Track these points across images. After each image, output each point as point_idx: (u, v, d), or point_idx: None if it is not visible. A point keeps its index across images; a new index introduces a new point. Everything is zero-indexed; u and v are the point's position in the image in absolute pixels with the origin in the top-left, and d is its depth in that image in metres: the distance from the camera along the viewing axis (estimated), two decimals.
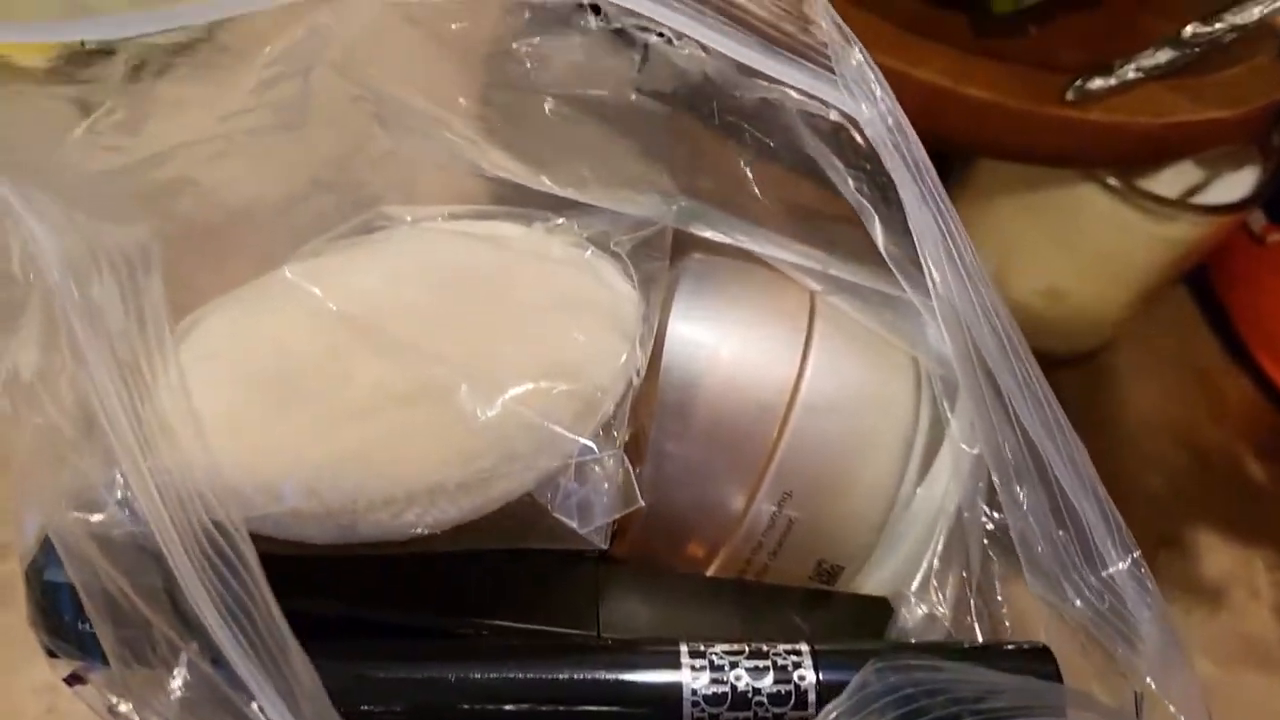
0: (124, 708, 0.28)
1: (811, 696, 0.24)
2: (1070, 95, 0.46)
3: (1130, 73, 0.45)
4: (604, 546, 0.25)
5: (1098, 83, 0.45)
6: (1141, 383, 0.71)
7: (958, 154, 0.53)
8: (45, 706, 0.47)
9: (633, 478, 0.26)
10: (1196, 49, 0.44)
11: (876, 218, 0.26)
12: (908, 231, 0.25)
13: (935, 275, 0.24)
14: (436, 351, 0.26)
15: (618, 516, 0.25)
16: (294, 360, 0.26)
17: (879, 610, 0.29)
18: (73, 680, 0.27)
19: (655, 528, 0.29)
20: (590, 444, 0.25)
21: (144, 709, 0.26)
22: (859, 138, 0.27)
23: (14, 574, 0.50)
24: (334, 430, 0.25)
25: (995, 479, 0.24)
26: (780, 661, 0.24)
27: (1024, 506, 0.24)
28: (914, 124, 0.47)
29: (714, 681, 0.24)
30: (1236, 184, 0.58)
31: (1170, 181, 0.58)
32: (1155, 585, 0.24)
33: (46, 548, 0.25)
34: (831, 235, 0.30)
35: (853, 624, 0.29)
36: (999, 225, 0.61)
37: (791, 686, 0.24)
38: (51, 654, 0.26)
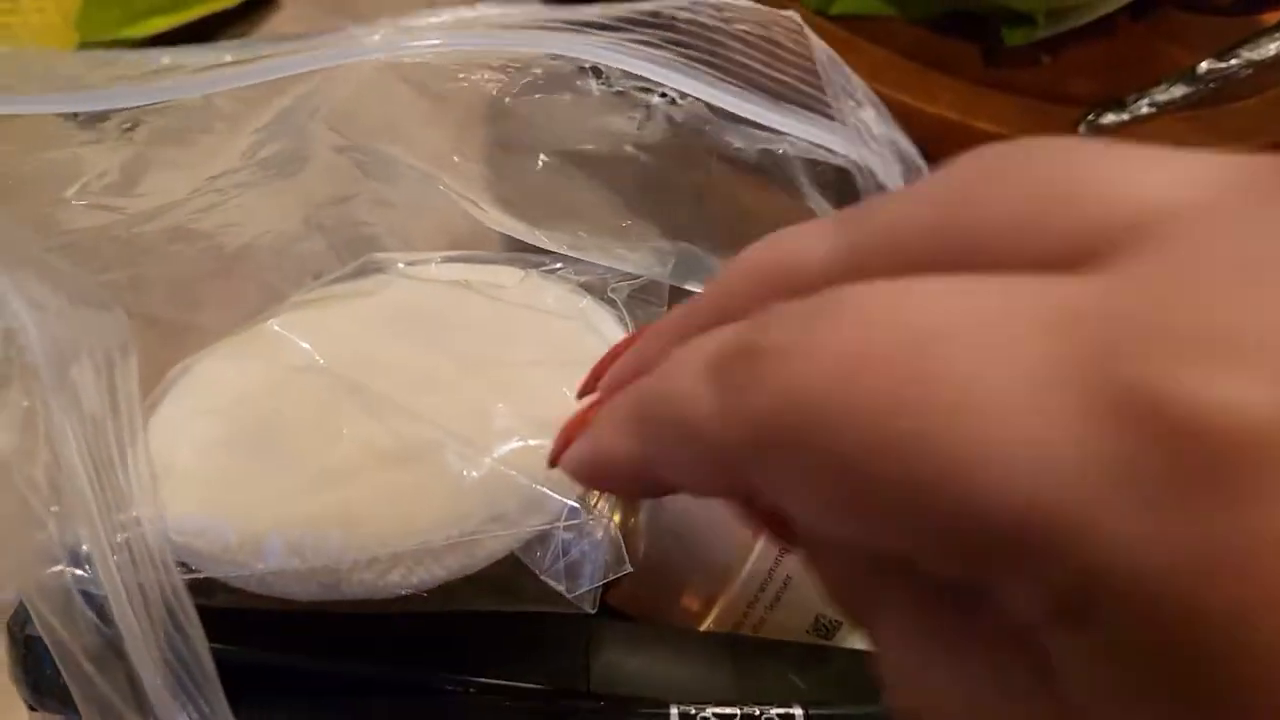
0: None
1: None
2: (1082, 129, 0.45)
3: (1144, 107, 0.44)
4: (591, 611, 0.25)
5: (1110, 118, 0.44)
6: None
7: None
8: None
9: (622, 542, 0.25)
10: (1211, 84, 0.44)
11: None
12: None
13: None
14: (425, 410, 0.26)
15: (607, 581, 0.25)
16: (281, 417, 0.25)
17: None
18: None
19: (649, 580, 0.29)
20: (578, 505, 0.25)
21: None
22: (861, 182, 0.26)
23: None
24: (319, 489, 0.24)
25: None
26: None
27: None
28: (929, 159, 0.46)
29: None
30: None
31: None
32: None
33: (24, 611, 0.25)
34: None
35: (852, 682, 0.29)
36: None
37: None
38: (32, 708, 0.26)
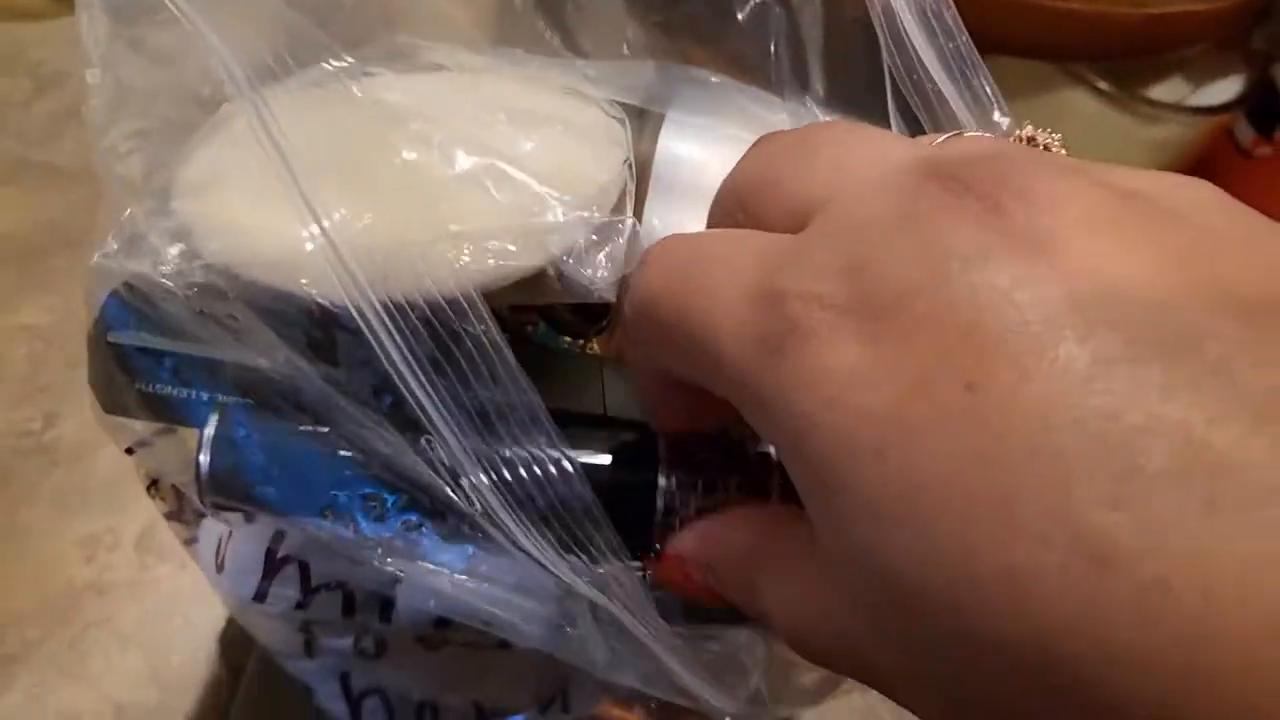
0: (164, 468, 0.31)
1: None
2: None
3: None
4: (613, 298, 0.28)
5: None
6: None
7: None
8: (85, 556, 0.50)
9: (640, 236, 0.28)
10: None
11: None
12: None
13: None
14: (468, 141, 0.29)
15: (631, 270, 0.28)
16: (338, 144, 0.28)
17: None
18: (129, 450, 0.30)
19: None
20: (602, 214, 0.28)
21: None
22: None
23: (57, 440, 0.53)
24: (366, 205, 0.27)
25: None
26: None
27: None
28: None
29: None
30: (1222, 89, 0.60)
31: (1159, 88, 0.60)
32: None
33: (108, 311, 0.28)
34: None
35: None
36: None
37: None
38: (109, 411, 0.29)
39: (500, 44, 0.35)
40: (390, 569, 0.27)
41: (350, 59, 0.31)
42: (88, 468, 0.52)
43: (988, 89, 0.26)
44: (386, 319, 0.21)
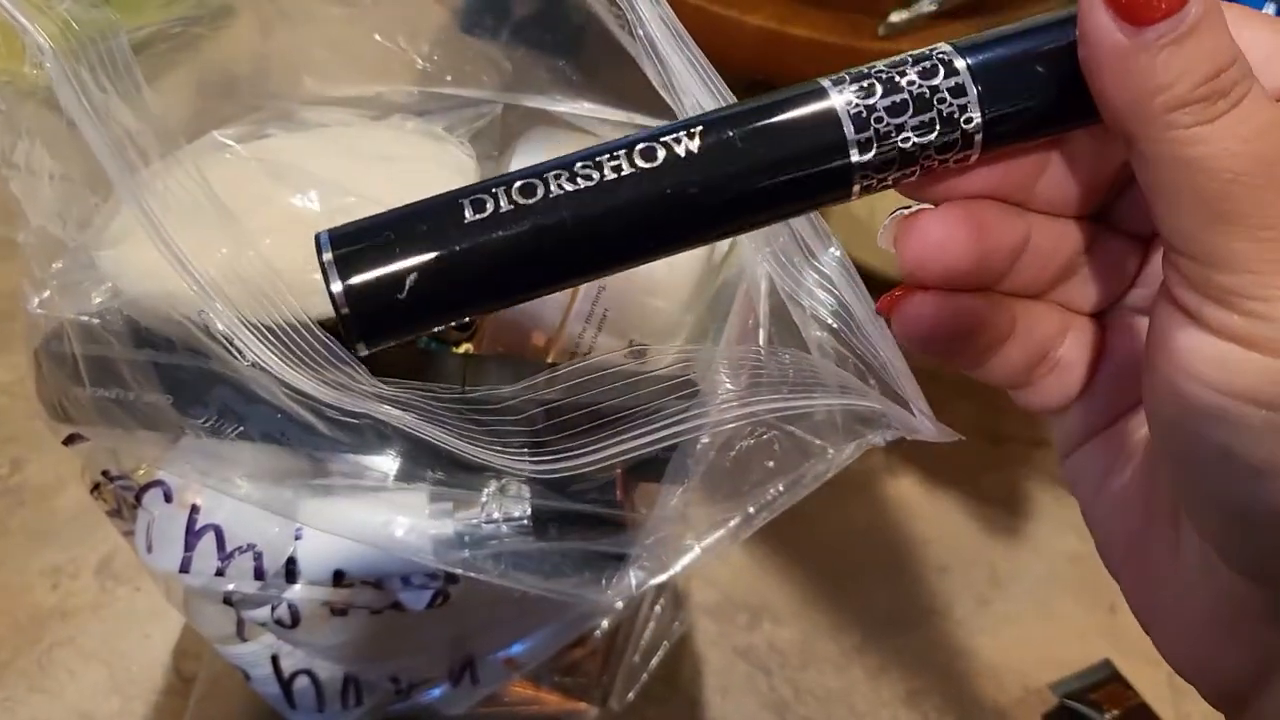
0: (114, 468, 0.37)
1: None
2: (881, 30, 0.55)
3: (926, 5, 0.54)
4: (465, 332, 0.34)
5: (897, 16, 0.54)
6: None
7: None
8: (50, 584, 0.55)
9: None
10: None
11: (643, 53, 0.34)
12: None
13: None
14: (337, 185, 0.35)
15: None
16: (229, 193, 0.35)
17: None
18: (71, 440, 0.36)
19: (505, 326, 0.39)
20: None
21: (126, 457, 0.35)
22: None
23: (24, 483, 0.59)
24: (259, 238, 0.33)
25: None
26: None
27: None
28: (752, 64, 0.56)
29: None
30: None
31: None
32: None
33: (54, 333, 0.34)
34: (632, 93, 0.38)
35: None
36: None
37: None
38: (55, 418, 0.35)
39: (389, 80, 0.41)
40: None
41: (242, 126, 0.38)
42: (52, 506, 0.58)
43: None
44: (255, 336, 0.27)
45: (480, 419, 0.27)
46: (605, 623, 0.47)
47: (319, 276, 0.33)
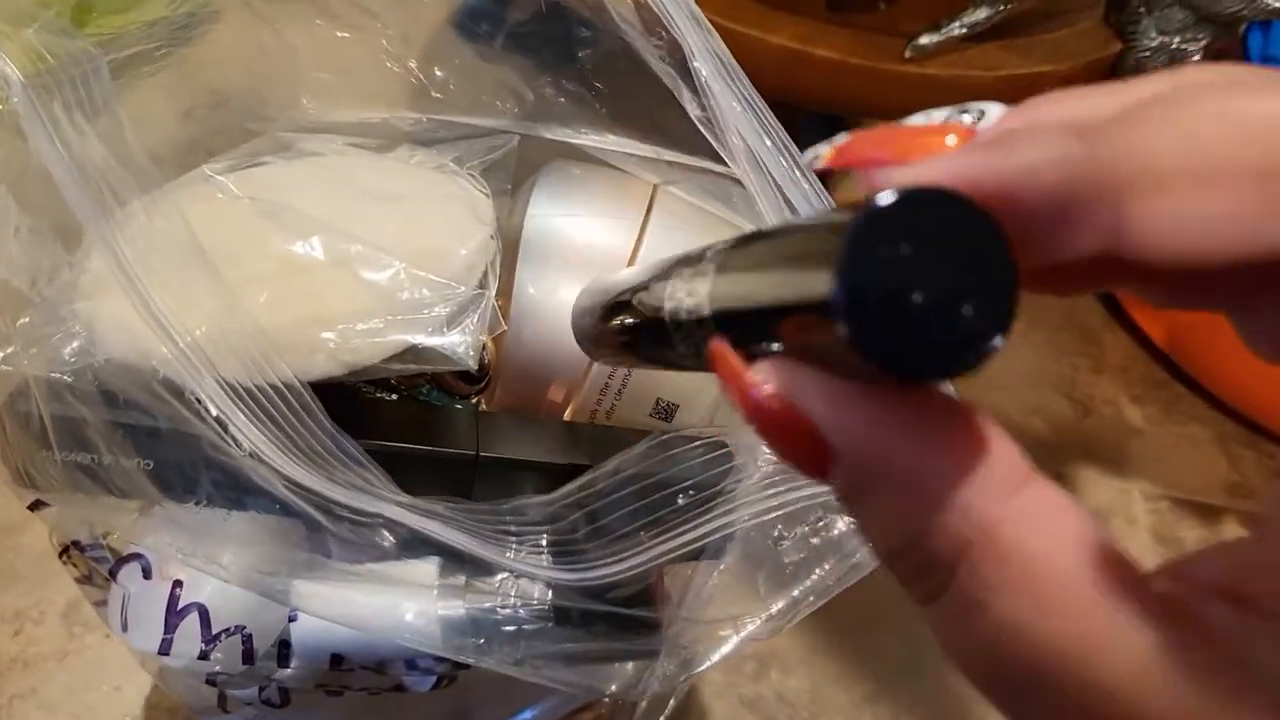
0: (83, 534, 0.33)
1: None
2: (908, 53, 0.52)
3: (956, 28, 0.51)
4: (473, 367, 0.31)
5: (927, 38, 0.51)
6: (1030, 340, 0.77)
7: (816, 110, 0.59)
8: (12, 631, 0.51)
9: (498, 309, 0.31)
10: (1009, 4, 0.51)
11: (683, 85, 0.31)
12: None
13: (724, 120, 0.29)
14: (338, 230, 0.32)
15: (489, 337, 0.31)
16: (217, 236, 0.31)
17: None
18: (37, 506, 0.32)
19: (520, 378, 0.35)
20: (464, 288, 0.31)
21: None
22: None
23: None
24: (251, 291, 0.30)
25: None
26: None
27: None
28: (774, 84, 0.53)
29: None
30: None
31: None
32: None
33: (18, 390, 0.30)
34: (664, 127, 0.35)
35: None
36: None
37: None
38: (20, 483, 0.31)
39: (396, 108, 0.38)
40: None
41: (234, 156, 0.35)
42: (15, 544, 0.54)
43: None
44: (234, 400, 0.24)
45: (514, 530, 0.24)
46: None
47: (322, 334, 0.30)
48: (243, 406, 0.23)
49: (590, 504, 0.25)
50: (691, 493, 0.26)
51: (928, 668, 0.60)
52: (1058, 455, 0.72)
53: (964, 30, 0.52)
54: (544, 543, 0.25)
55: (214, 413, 0.23)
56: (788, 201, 0.29)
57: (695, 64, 0.27)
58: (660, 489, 0.26)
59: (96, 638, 0.51)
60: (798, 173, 0.28)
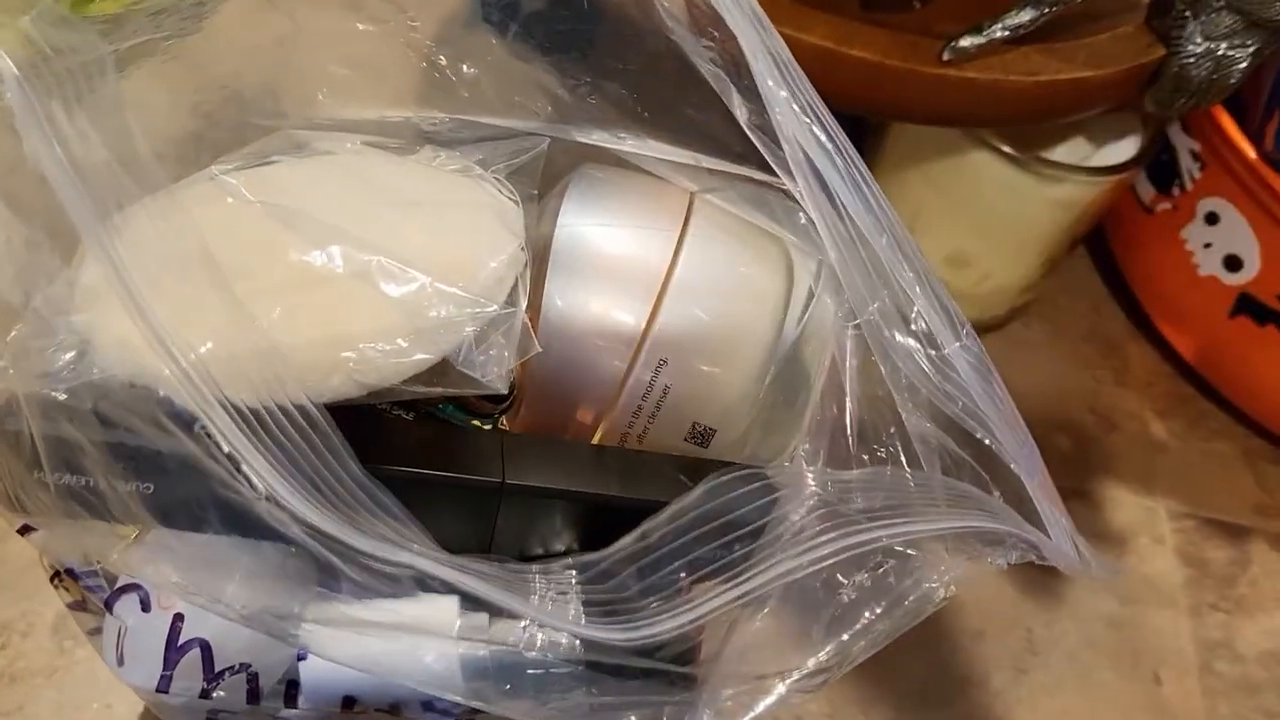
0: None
1: None
2: (946, 55, 0.50)
3: (998, 31, 0.49)
4: (504, 390, 0.28)
5: (968, 40, 0.49)
6: (1052, 351, 0.75)
7: (850, 113, 0.57)
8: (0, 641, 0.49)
9: (530, 329, 0.29)
10: (1055, 7, 0.49)
11: (733, 89, 0.29)
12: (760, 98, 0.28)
13: (782, 123, 0.27)
14: (358, 239, 0.29)
15: (518, 362, 0.28)
16: (226, 244, 0.29)
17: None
18: (25, 530, 0.30)
19: (547, 397, 0.33)
20: (493, 305, 0.29)
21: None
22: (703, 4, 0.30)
23: None
24: (263, 305, 0.27)
25: (853, 305, 0.28)
26: None
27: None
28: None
29: None
30: (1120, 149, 0.63)
31: (1061, 149, 0.62)
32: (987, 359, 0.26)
33: (6, 408, 0.28)
34: (708, 132, 0.33)
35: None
36: (906, 195, 0.66)
37: None
38: (8, 507, 0.29)
39: (421, 106, 0.35)
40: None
41: (245, 155, 0.32)
42: (2, 553, 0.51)
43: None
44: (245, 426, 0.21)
45: (563, 590, 0.22)
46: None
47: (342, 354, 0.27)
48: (259, 445, 0.21)
49: (643, 558, 0.23)
50: (749, 540, 0.24)
51: (950, 694, 0.58)
52: (1080, 471, 0.70)
53: (1006, 33, 0.49)
54: (594, 600, 0.23)
55: (225, 449, 0.21)
56: (847, 213, 0.27)
57: (756, 65, 0.25)
58: (717, 536, 0.23)
59: (87, 652, 0.49)
60: (866, 187, 0.26)
